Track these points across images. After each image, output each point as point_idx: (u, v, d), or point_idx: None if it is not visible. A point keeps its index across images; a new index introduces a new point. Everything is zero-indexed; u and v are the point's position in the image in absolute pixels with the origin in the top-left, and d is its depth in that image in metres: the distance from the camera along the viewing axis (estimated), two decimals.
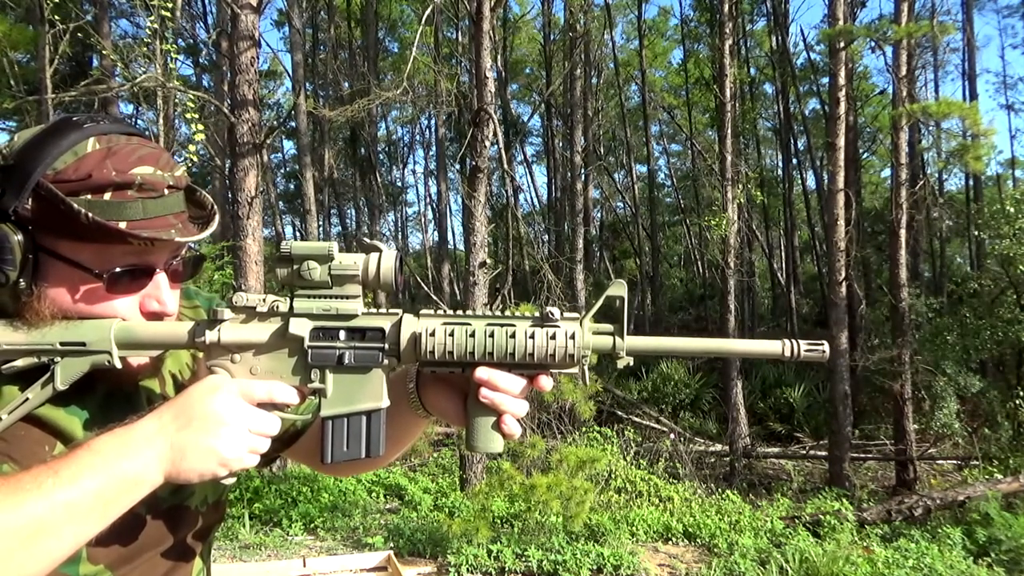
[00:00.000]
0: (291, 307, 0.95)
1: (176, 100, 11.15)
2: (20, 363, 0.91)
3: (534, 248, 19.61)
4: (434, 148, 22.82)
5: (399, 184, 29.60)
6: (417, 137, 29.12)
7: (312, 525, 6.85)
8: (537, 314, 0.99)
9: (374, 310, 0.98)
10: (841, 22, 11.20)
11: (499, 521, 6.63)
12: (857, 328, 14.53)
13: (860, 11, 15.72)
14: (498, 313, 1.00)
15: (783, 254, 25.73)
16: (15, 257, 0.88)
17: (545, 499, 5.97)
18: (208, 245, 9.66)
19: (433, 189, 24.77)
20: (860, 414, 14.18)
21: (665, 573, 6.02)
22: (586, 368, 1.01)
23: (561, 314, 0.99)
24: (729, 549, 6.32)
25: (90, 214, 0.87)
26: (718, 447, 13.32)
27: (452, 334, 0.96)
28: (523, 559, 5.67)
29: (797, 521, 7.36)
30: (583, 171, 19.06)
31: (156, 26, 8.54)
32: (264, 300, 0.96)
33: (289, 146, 25.73)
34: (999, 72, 39.37)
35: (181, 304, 1.14)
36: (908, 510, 7.80)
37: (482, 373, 0.96)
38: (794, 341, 0.97)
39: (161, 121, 10.60)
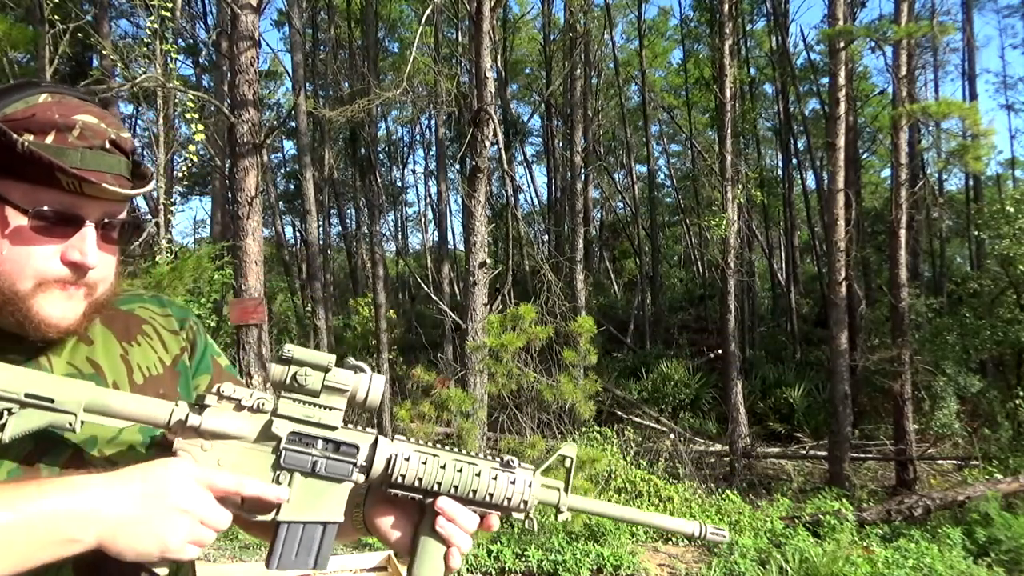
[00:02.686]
0: (276, 407, 0.96)
1: (176, 100, 11.15)
2: None
3: (534, 248, 19.61)
4: (434, 148, 22.85)
5: (399, 184, 29.62)
6: (417, 137, 29.16)
7: None
8: (499, 460, 1.05)
9: (351, 426, 1.00)
10: (841, 22, 11.20)
11: None
12: (857, 328, 14.54)
13: (860, 11, 15.74)
14: (464, 452, 1.04)
15: (783, 254, 25.73)
16: None
17: None
18: (208, 245, 9.66)
19: (433, 189, 24.79)
20: (860, 414, 14.18)
21: (665, 573, 6.02)
22: (533, 517, 1.07)
23: (519, 463, 1.05)
24: (729, 549, 6.31)
25: (26, 143, 0.88)
26: (718, 447, 13.32)
27: (425, 463, 1.00)
28: (523, 559, 5.67)
29: (797, 521, 7.36)
30: (583, 171, 19.06)
31: (156, 26, 8.55)
32: (251, 395, 0.96)
33: (289, 146, 25.75)
34: (999, 72, 39.36)
35: (153, 310, 1.15)
36: (908, 510, 7.80)
37: (445, 504, 1.01)
38: (704, 525, 1.11)
39: (161, 121, 10.61)
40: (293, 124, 15.52)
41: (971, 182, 20.99)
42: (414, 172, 51.44)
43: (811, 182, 23.05)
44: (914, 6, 13.20)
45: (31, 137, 0.89)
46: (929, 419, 12.28)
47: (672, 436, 12.43)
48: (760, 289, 24.91)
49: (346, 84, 16.64)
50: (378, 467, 0.99)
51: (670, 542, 6.77)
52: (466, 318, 7.72)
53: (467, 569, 5.55)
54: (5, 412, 0.87)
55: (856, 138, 18.38)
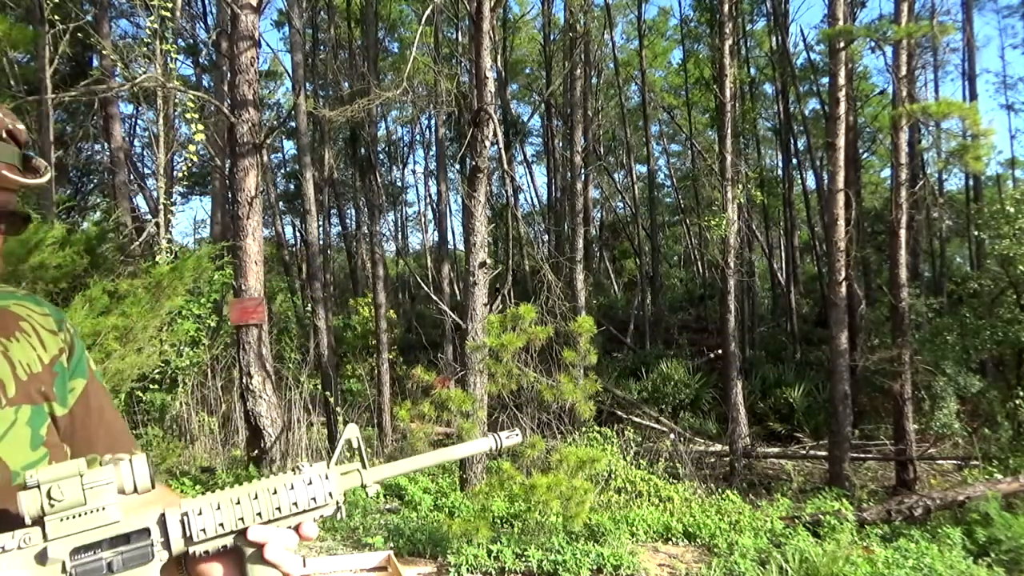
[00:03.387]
0: (44, 534, 0.92)
1: (176, 100, 11.15)
2: None
3: (534, 248, 19.61)
4: (434, 148, 22.84)
5: (399, 184, 29.63)
6: (417, 137, 29.18)
7: None
8: (290, 468, 1.06)
9: (137, 505, 0.98)
10: (841, 22, 11.20)
11: (499, 521, 6.63)
12: (857, 328, 14.54)
13: (860, 11, 15.74)
14: (256, 480, 1.04)
15: (783, 254, 25.73)
16: None
17: (545, 499, 5.97)
18: (208, 245, 9.66)
19: (433, 189, 24.79)
20: (860, 414, 14.18)
21: (665, 573, 6.02)
22: (342, 505, 1.08)
23: (310, 464, 1.06)
24: (729, 549, 6.31)
25: None
26: (718, 447, 13.32)
27: (219, 507, 0.99)
28: (523, 559, 5.67)
29: (797, 521, 7.36)
30: (583, 171, 19.06)
31: (156, 26, 8.55)
32: (13, 536, 0.92)
33: (289, 146, 25.75)
34: (999, 72, 39.39)
35: (31, 308, 1.14)
36: (908, 510, 7.80)
37: (256, 533, 0.99)
38: (497, 436, 1.15)
39: (161, 121, 10.61)
40: (293, 124, 15.51)
41: (971, 182, 20.99)
42: (414, 172, 51.51)
43: (811, 182, 23.06)
44: (914, 6, 13.20)
45: None
46: (929, 419, 12.28)
47: (672, 436, 12.45)
48: (760, 289, 24.92)
49: (346, 84, 16.64)
50: (175, 536, 0.97)
51: (670, 542, 6.77)
52: (466, 318, 7.72)
53: (467, 569, 5.56)
54: None
55: (856, 138, 18.38)
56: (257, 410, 7.96)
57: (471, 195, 7.66)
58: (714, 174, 14.98)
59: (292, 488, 1.03)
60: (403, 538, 6.19)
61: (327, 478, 1.05)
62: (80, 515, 0.93)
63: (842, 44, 11.18)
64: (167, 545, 0.97)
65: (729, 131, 13.36)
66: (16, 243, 5.83)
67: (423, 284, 12.16)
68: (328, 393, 11.92)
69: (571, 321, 7.62)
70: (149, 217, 13.25)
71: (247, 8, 7.85)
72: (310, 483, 1.04)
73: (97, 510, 0.94)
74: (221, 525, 0.99)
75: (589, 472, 6.68)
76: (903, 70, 11.90)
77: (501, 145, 8.39)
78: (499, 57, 19.39)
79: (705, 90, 22.26)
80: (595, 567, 5.66)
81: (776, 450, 13.48)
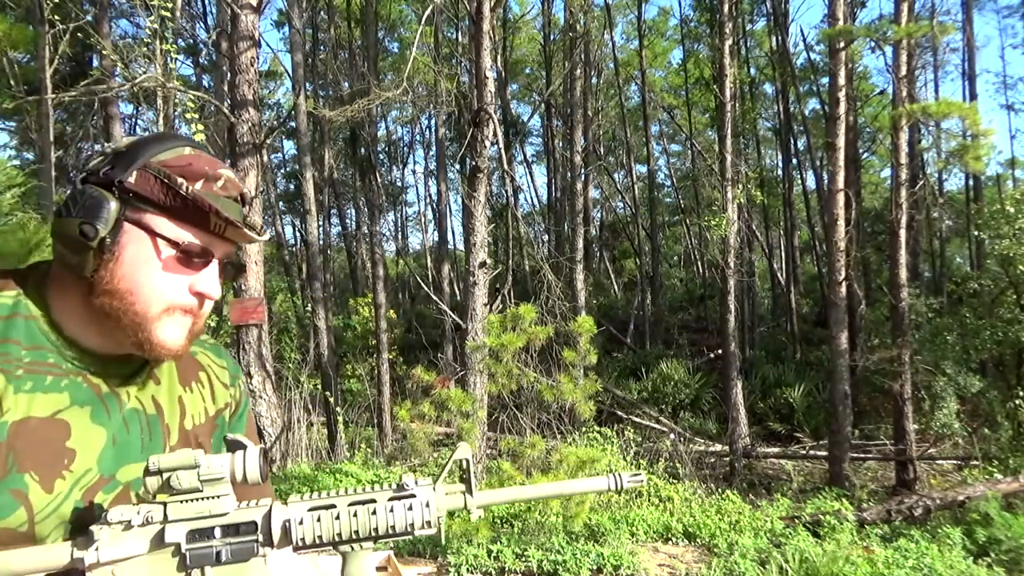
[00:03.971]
0: (165, 515, 0.99)
1: (176, 100, 11.14)
2: None
3: (534, 248, 19.61)
4: (434, 148, 22.85)
5: (399, 184, 29.64)
6: (417, 137, 29.18)
7: None
8: (395, 484, 1.07)
9: (245, 504, 1.03)
10: (841, 22, 11.20)
11: (499, 521, 6.63)
12: (857, 328, 14.54)
13: (860, 11, 15.74)
14: (359, 490, 1.07)
15: (783, 254, 25.74)
16: (109, 217, 1.00)
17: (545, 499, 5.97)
18: None
19: (433, 189, 24.80)
20: (860, 414, 14.18)
21: (665, 573, 6.02)
22: (442, 526, 1.09)
23: (416, 482, 1.07)
24: (729, 549, 6.31)
25: (191, 187, 1.01)
26: (718, 447, 13.32)
27: (320, 519, 1.04)
28: (523, 559, 5.67)
29: (797, 521, 7.35)
30: (583, 171, 19.06)
31: (156, 26, 8.54)
32: (139, 512, 0.98)
33: (289, 146, 25.76)
34: (999, 72, 39.42)
35: (212, 358, 1.26)
36: (908, 510, 7.80)
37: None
38: (618, 476, 1.11)
39: (161, 121, 10.60)
40: (293, 124, 15.51)
41: (971, 182, 20.99)
42: (414, 172, 51.52)
43: (811, 182, 23.06)
44: (914, 6, 13.20)
45: (183, 180, 1.02)
46: (929, 419, 12.28)
47: (672, 436, 12.45)
48: (760, 289, 24.92)
49: (346, 84, 16.64)
50: (278, 536, 1.02)
51: (670, 542, 6.77)
52: (466, 318, 7.72)
53: (467, 569, 5.56)
54: None
55: (856, 138, 18.38)
56: (257, 410, 7.96)
57: (471, 195, 7.66)
58: (714, 174, 14.98)
59: (391, 511, 1.05)
60: (403, 539, 6.17)
61: (428, 505, 1.06)
62: (196, 500, 0.99)
63: (842, 44, 11.18)
64: (269, 542, 1.02)
65: (729, 131, 13.36)
66: (16, 243, 5.83)
67: (423, 284, 12.15)
68: (328, 393, 11.93)
69: (571, 321, 7.62)
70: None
71: (247, 8, 7.85)
72: (410, 508, 1.05)
73: (211, 498, 1.00)
74: (319, 537, 1.03)
75: (589, 472, 6.68)
76: (903, 70, 11.90)
77: (501, 145, 8.39)
78: (499, 57, 19.39)
79: (705, 90, 22.27)
80: (595, 567, 5.66)
81: (776, 450, 13.48)
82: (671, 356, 17.25)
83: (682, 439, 12.61)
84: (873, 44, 13.91)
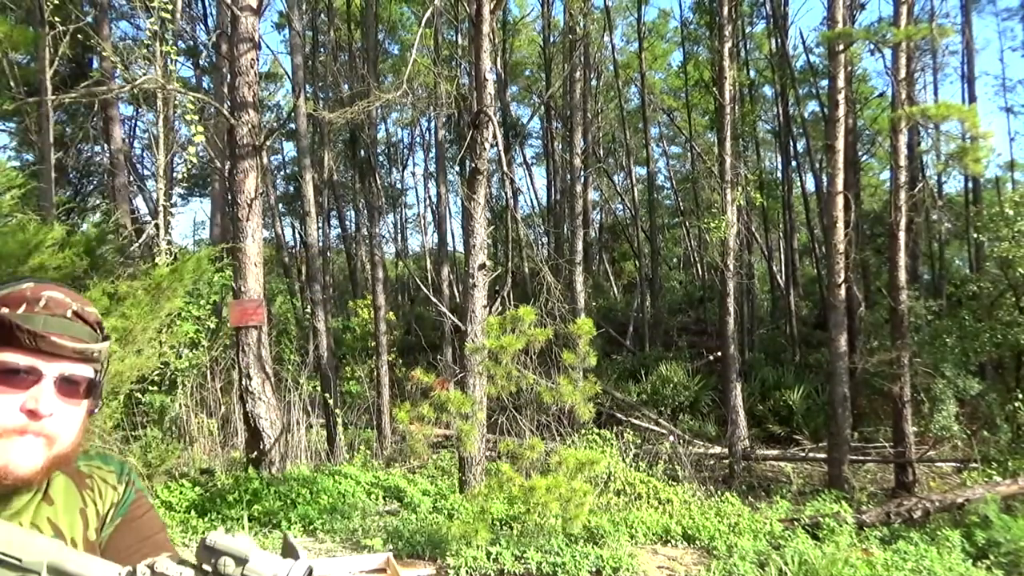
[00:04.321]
0: None
1: (176, 102, 11.16)
2: None
3: (533, 250, 19.63)
4: (434, 150, 22.85)
5: (399, 186, 29.64)
6: (417, 139, 29.19)
7: (311, 527, 6.85)
8: None
9: None
10: (840, 25, 11.21)
11: (498, 523, 6.63)
12: (856, 330, 14.54)
13: (859, 14, 15.74)
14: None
15: (782, 256, 25.74)
16: None
17: (544, 501, 5.97)
18: (208, 247, 9.66)
19: (433, 191, 24.80)
20: (859, 416, 14.18)
21: (664, 575, 6.02)
22: None
23: None
24: (728, 551, 6.31)
25: None
26: (717, 449, 13.32)
27: None
28: (522, 561, 5.67)
29: (796, 523, 7.35)
30: (582, 173, 19.07)
31: (156, 28, 8.56)
32: (180, 573, 1.01)
33: (289, 148, 25.76)
34: (998, 75, 39.48)
35: (95, 466, 1.28)
36: (907, 512, 7.80)
37: None
38: None
39: (161, 123, 10.61)
40: (293, 126, 15.52)
41: (970, 184, 20.99)
42: (414, 174, 51.43)
43: (810, 184, 23.08)
44: (913, 9, 13.20)
45: (6, 310, 1.09)
46: (928, 421, 12.28)
47: (671, 438, 12.44)
48: (759, 291, 24.93)
49: (346, 86, 16.65)
50: None
51: (669, 544, 6.77)
52: (465, 320, 7.72)
53: (466, 571, 5.56)
54: None
55: (855, 140, 18.40)
56: (256, 412, 7.96)
57: (471, 197, 7.67)
58: (713, 176, 15.00)
59: None
60: (402, 540, 6.18)
61: None
62: None
63: (841, 47, 11.20)
64: None
65: (728, 133, 13.38)
66: (16, 245, 5.83)
67: (423, 286, 12.16)
68: (327, 395, 11.93)
69: (570, 323, 7.62)
70: (149, 219, 13.26)
71: (247, 10, 7.86)
72: None
73: None
74: None
75: (588, 474, 6.68)
76: (902, 73, 11.91)
77: (501, 147, 8.40)
78: (499, 59, 19.41)
79: (705, 92, 22.28)
80: (594, 569, 5.66)
81: (775, 452, 13.48)
82: (670, 358, 17.26)
83: (681, 441, 12.60)
84: (872, 47, 13.94)
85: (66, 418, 1.13)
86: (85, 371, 1.14)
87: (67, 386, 1.12)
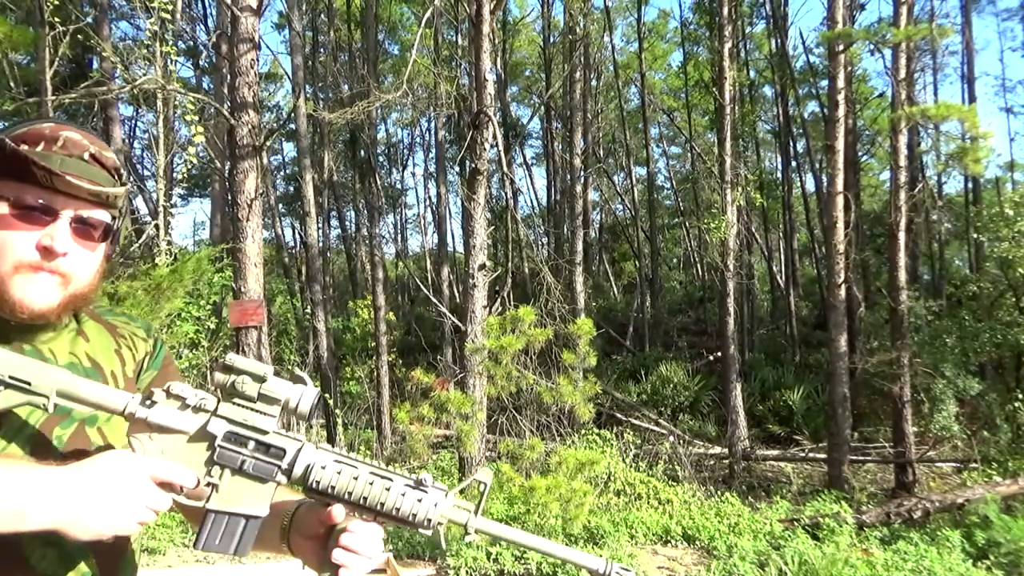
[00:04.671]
0: (216, 408, 1.07)
1: (176, 102, 11.15)
2: None
3: (533, 250, 19.62)
4: (434, 150, 22.85)
5: (399, 186, 29.62)
6: (417, 139, 29.17)
7: None
8: (414, 477, 1.13)
9: (283, 431, 1.10)
10: (840, 25, 11.21)
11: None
12: (856, 331, 14.54)
13: (859, 14, 15.73)
14: (382, 466, 1.13)
15: (782, 257, 25.74)
16: None
17: (544, 501, 5.98)
18: (208, 247, 9.66)
19: (433, 191, 24.80)
20: (859, 417, 14.17)
21: (664, 575, 6.02)
22: (441, 533, 1.15)
23: (432, 483, 1.13)
24: (728, 551, 6.32)
25: (7, 139, 1.06)
26: (717, 449, 13.31)
27: (340, 472, 1.10)
28: (522, 561, 5.67)
29: (796, 523, 7.36)
30: (582, 173, 19.07)
31: (156, 28, 8.56)
32: (196, 395, 1.07)
33: (289, 148, 25.74)
34: (998, 75, 39.48)
35: (122, 320, 1.33)
36: (907, 513, 7.80)
37: (350, 524, 1.11)
38: (610, 563, 1.16)
39: (161, 123, 10.61)
40: (293, 126, 15.53)
41: (970, 185, 20.99)
42: (414, 175, 51.44)
43: (810, 185, 23.07)
44: (913, 9, 13.20)
45: (24, 146, 1.07)
46: (928, 421, 12.27)
47: (671, 438, 12.43)
48: (759, 292, 24.92)
49: (346, 86, 16.65)
50: (298, 471, 1.09)
51: (669, 544, 6.77)
52: (465, 320, 7.72)
53: (466, 571, 5.56)
54: None
55: (855, 141, 18.39)
56: None
57: (471, 197, 7.67)
58: (713, 177, 15.00)
59: (403, 495, 1.10)
60: (402, 540, 6.19)
61: (436, 505, 1.11)
62: (248, 409, 1.07)
63: (841, 47, 11.20)
64: (288, 475, 1.09)
65: (728, 134, 13.37)
66: None
67: (423, 286, 12.16)
68: (327, 395, 11.92)
69: (570, 323, 7.62)
70: (149, 219, 13.25)
71: (247, 10, 7.86)
72: (420, 500, 1.11)
73: (260, 413, 1.07)
74: (332, 487, 1.09)
75: (588, 474, 6.68)
76: (902, 73, 11.91)
77: (501, 147, 8.40)
78: (499, 59, 19.41)
79: (705, 93, 22.27)
80: None
81: (775, 452, 13.47)
82: (670, 358, 17.25)
83: (681, 441, 12.60)
84: (872, 47, 13.94)
85: (82, 259, 1.13)
86: (101, 215, 1.15)
87: (83, 228, 1.13)
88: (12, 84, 10.20)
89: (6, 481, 0.94)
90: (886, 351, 12.21)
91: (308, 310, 14.96)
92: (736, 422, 12.60)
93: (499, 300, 8.17)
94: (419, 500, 1.10)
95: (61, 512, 0.95)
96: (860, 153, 20.76)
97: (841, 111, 11.33)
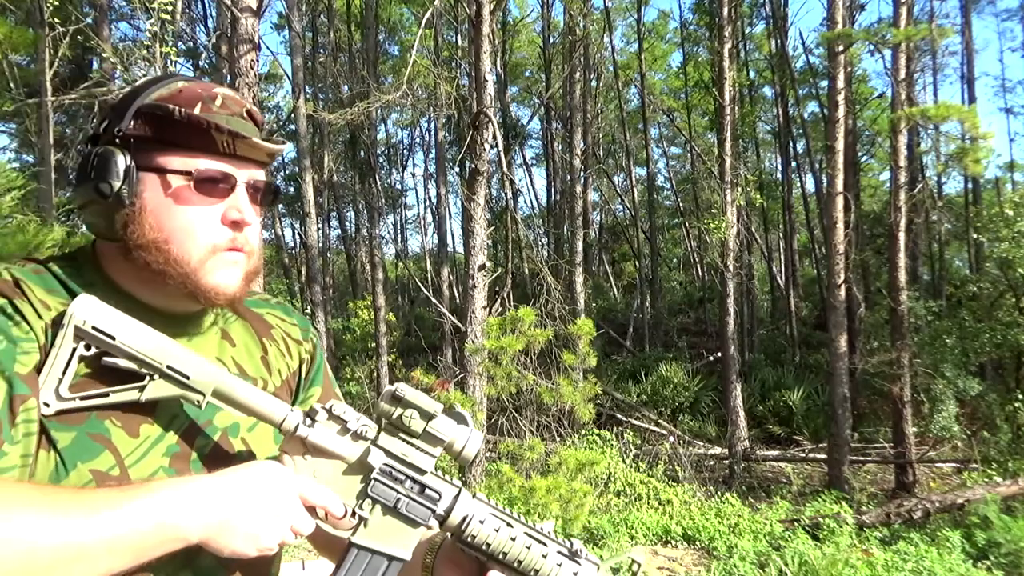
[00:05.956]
0: (376, 438, 1.00)
1: None
2: (122, 363, 0.95)
3: (533, 251, 19.62)
4: (434, 151, 22.85)
5: (399, 187, 29.62)
6: (417, 140, 29.17)
7: None
8: (568, 545, 1.06)
9: (439, 474, 1.04)
10: (840, 25, 11.22)
11: None
12: (856, 331, 14.54)
13: (859, 14, 15.75)
14: (535, 529, 1.06)
15: (782, 257, 25.74)
16: (119, 170, 0.97)
17: (544, 502, 5.97)
18: None
19: (432, 192, 24.81)
20: (859, 417, 14.17)
21: None
22: None
23: (586, 555, 1.06)
24: (728, 552, 6.31)
25: (182, 108, 0.95)
26: (717, 450, 13.32)
27: (498, 530, 1.03)
28: None
29: (796, 524, 7.36)
30: (582, 174, 19.07)
31: (156, 29, 8.55)
32: (357, 420, 1.01)
33: (289, 149, 25.70)
34: (998, 76, 39.45)
35: (277, 316, 1.21)
36: (907, 513, 7.80)
37: None
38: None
39: None
40: (293, 127, 15.54)
41: (970, 185, 20.99)
42: (413, 175, 51.52)
43: (810, 185, 23.07)
44: (913, 9, 13.21)
45: (177, 108, 0.96)
46: (928, 422, 12.27)
47: (671, 439, 12.44)
48: (759, 292, 24.92)
49: (346, 87, 16.66)
50: (454, 520, 1.02)
51: (669, 545, 6.77)
52: (465, 321, 7.72)
53: None
54: (148, 376, 0.95)
55: (855, 141, 18.40)
56: None
57: (470, 198, 7.67)
58: (713, 177, 15.00)
59: (559, 566, 1.03)
60: None
61: None
62: (408, 444, 1.00)
63: (841, 47, 11.20)
64: (442, 521, 1.02)
65: (728, 134, 13.37)
66: (16, 246, 5.82)
67: (422, 287, 12.16)
68: None
69: (570, 324, 7.63)
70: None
71: (247, 11, 7.86)
72: (575, 574, 1.04)
73: (421, 451, 1.01)
74: (488, 544, 1.02)
75: (588, 475, 6.69)
76: (902, 73, 11.92)
77: (500, 148, 8.40)
78: (498, 60, 19.42)
79: (704, 93, 22.28)
80: None
81: (775, 453, 13.47)
82: (670, 359, 17.25)
83: (681, 442, 12.60)
84: (872, 47, 13.93)
85: (256, 230, 1.06)
86: (264, 176, 1.08)
87: (255, 193, 1.05)
88: (12, 85, 10.20)
89: (149, 498, 0.85)
90: (886, 351, 12.21)
91: (308, 311, 14.96)
92: (736, 422, 12.60)
93: (499, 301, 8.17)
94: (574, 574, 1.04)
95: (211, 522, 0.88)
96: (860, 153, 20.78)
97: (841, 111, 11.33)
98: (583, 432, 10.11)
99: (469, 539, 1.02)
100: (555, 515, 6.16)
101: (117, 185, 0.97)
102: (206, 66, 16.86)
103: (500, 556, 1.02)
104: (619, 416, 13.83)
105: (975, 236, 15.45)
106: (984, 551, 6.61)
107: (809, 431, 14.36)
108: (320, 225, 20.07)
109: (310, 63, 17.57)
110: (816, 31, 25.47)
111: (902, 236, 11.47)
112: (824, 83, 18.46)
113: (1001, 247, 12.16)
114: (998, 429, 11.52)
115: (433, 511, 1.01)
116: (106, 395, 0.94)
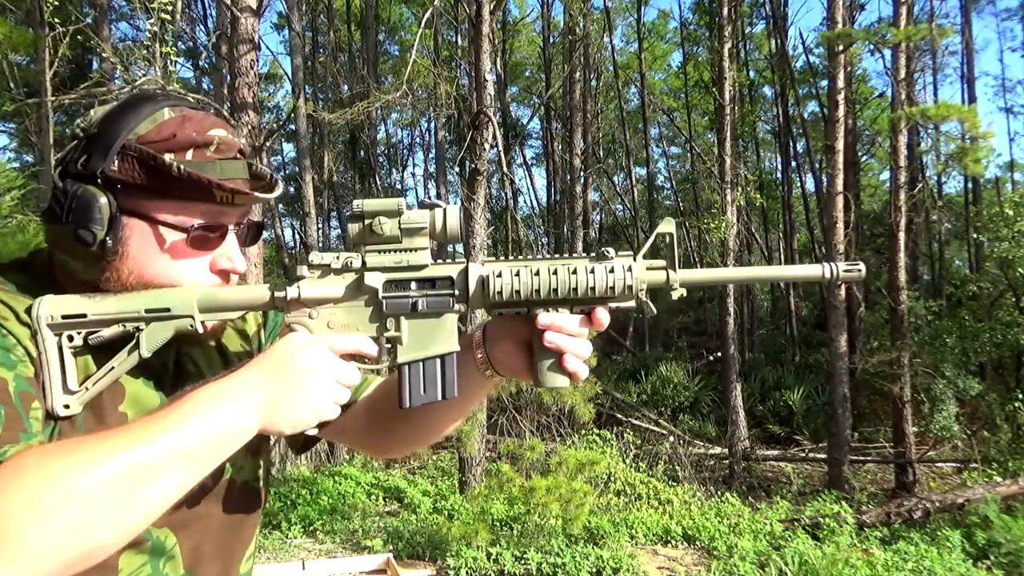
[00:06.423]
0: (364, 262, 0.99)
1: None
2: (107, 333, 0.94)
3: (533, 251, 19.61)
4: (434, 151, 22.84)
5: (399, 187, 29.59)
6: (417, 140, 29.15)
7: (311, 528, 6.85)
8: (593, 254, 1.02)
9: (440, 261, 1.03)
10: (840, 25, 11.22)
11: (498, 524, 6.63)
12: (856, 331, 14.54)
13: (859, 14, 15.75)
14: (555, 255, 1.03)
15: (782, 257, 25.73)
16: (103, 216, 0.92)
17: (544, 502, 5.98)
18: None
19: (433, 192, 24.78)
20: (859, 417, 14.17)
21: (664, 575, 6.02)
22: (646, 301, 1.04)
23: (614, 252, 1.02)
24: (728, 552, 6.31)
25: (182, 166, 0.91)
26: (717, 450, 13.31)
27: (518, 274, 1.00)
28: (522, 562, 5.67)
29: (796, 524, 7.36)
30: (582, 174, 19.08)
31: (156, 29, 8.55)
32: (338, 257, 1.00)
33: (289, 149, 25.70)
34: (998, 75, 39.36)
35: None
36: (907, 513, 7.80)
37: (544, 318, 1.00)
38: (833, 264, 1.03)
39: None
40: (293, 127, 15.52)
41: (970, 185, 20.99)
42: (414, 175, 51.31)
43: (810, 185, 23.05)
44: (913, 9, 13.20)
45: (171, 156, 0.93)
46: (928, 422, 12.27)
47: (671, 439, 12.43)
48: (759, 292, 24.93)
49: (346, 87, 16.66)
50: (475, 292, 1.01)
51: (669, 545, 6.77)
52: (465, 321, 7.72)
53: (466, 572, 5.56)
54: (135, 330, 0.94)
55: (855, 141, 18.40)
56: None
57: (470, 197, 7.67)
58: (713, 177, 15.00)
59: (592, 272, 0.99)
60: (402, 541, 6.19)
61: (630, 269, 1.00)
62: (396, 251, 1.00)
63: (841, 47, 11.20)
64: (464, 299, 1.02)
65: (728, 134, 13.37)
66: (16, 246, 5.83)
67: None
68: None
69: None
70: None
71: (247, 11, 7.86)
72: (611, 271, 1.00)
73: (409, 250, 1.00)
74: (517, 292, 0.99)
75: (588, 475, 6.69)
76: (902, 73, 11.91)
77: (500, 148, 8.40)
78: (498, 60, 19.40)
79: (704, 93, 22.28)
80: (594, 570, 5.66)
81: (775, 453, 13.47)
82: (670, 359, 17.24)
83: (681, 442, 12.59)
84: (872, 47, 13.93)
85: (243, 269, 1.06)
86: (254, 216, 1.08)
87: (243, 233, 1.05)
88: (12, 85, 10.21)
89: (192, 408, 0.85)
90: (886, 351, 12.21)
91: None
92: (736, 422, 12.60)
93: None
94: (610, 271, 0.99)
95: (263, 409, 0.89)
96: (860, 153, 20.77)
97: (841, 111, 11.33)
98: (583, 432, 10.10)
99: (496, 299, 1.00)
100: (555, 515, 6.16)
101: (101, 234, 0.92)
102: (206, 66, 16.88)
103: (534, 296, 1.00)
104: (619, 416, 13.82)
105: (975, 236, 15.45)
106: (984, 551, 6.61)
107: (809, 431, 14.36)
108: (320, 225, 20.04)
109: (310, 63, 17.57)
110: (816, 31, 25.47)
111: (902, 236, 11.47)
112: (824, 83, 18.46)
113: (1001, 247, 12.16)
114: (998, 429, 11.52)
115: (451, 294, 1.01)
116: (111, 368, 0.94)
